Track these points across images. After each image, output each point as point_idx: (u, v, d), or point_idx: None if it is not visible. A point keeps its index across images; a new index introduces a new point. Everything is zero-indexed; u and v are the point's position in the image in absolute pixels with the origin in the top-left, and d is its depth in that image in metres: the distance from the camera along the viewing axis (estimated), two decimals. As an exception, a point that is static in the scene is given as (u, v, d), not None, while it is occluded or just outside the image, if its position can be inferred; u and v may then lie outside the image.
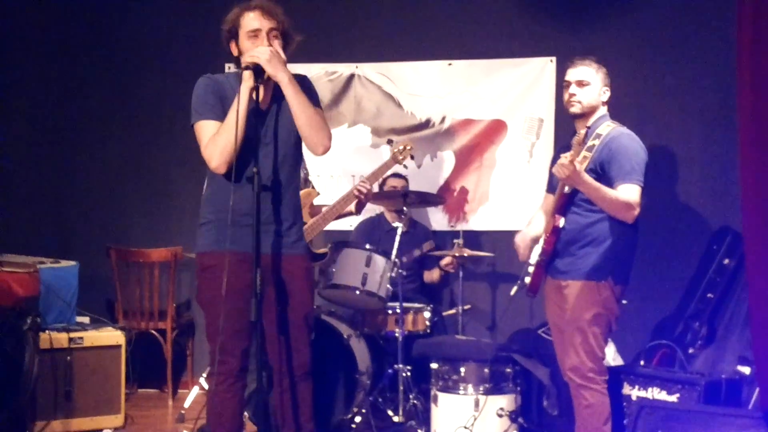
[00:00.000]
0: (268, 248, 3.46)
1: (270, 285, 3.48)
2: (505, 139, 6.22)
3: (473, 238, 6.06)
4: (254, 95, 3.38)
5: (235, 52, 3.52)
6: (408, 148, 5.22)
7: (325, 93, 6.33)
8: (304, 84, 3.56)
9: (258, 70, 3.35)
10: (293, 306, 3.51)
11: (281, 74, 3.36)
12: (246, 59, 3.38)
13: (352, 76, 6.40)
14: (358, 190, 4.87)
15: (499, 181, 6.22)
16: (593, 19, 6.05)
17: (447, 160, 6.30)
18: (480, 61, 6.24)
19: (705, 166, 5.85)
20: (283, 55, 3.42)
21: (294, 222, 3.56)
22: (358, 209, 5.01)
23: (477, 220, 6.23)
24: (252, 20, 3.44)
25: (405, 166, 5.35)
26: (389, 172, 5.56)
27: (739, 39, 3.52)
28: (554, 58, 6.08)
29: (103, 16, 6.56)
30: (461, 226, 6.09)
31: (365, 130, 6.40)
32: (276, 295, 3.50)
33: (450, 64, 6.30)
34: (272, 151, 3.47)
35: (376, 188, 5.29)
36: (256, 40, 3.42)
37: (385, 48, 6.39)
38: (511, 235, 5.73)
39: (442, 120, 6.30)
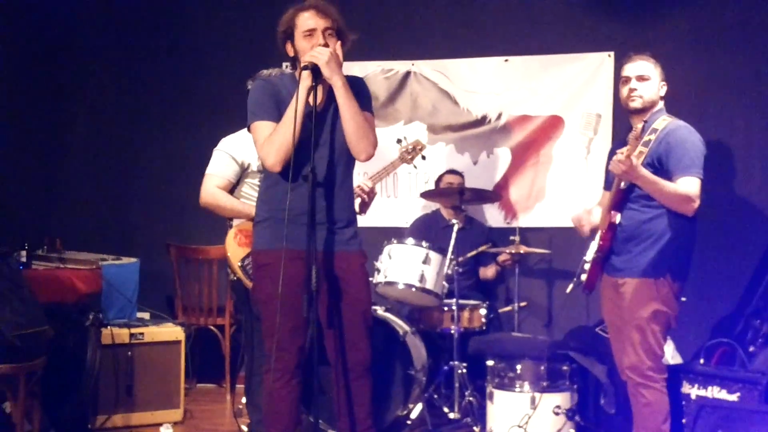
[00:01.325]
0: (323, 246, 3.47)
1: (325, 282, 3.50)
2: (562, 136, 6.16)
3: (529, 235, 6.03)
4: (312, 96, 3.39)
5: (290, 53, 3.55)
6: (419, 147, 5.02)
7: (381, 90, 6.35)
8: (358, 87, 3.57)
9: (316, 71, 3.37)
10: (350, 303, 3.53)
11: (336, 78, 3.38)
12: (306, 59, 3.39)
13: (408, 74, 6.40)
14: (360, 188, 4.55)
15: (556, 177, 6.17)
16: (651, 13, 5.97)
17: (503, 156, 6.26)
18: (537, 57, 6.20)
19: (766, 162, 5.74)
20: (341, 58, 3.44)
21: (349, 220, 3.58)
22: (362, 209, 4.63)
23: (533, 217, 6.19)
24: (307, 20, 3.46)
25: (415, 166, 5.16)
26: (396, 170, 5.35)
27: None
28: (612, 53, 6.00)
29: (164, 17, 6.66)
30: (517, 223, 6.06)
31: (421, 128, 6.39)
32: (332, 292, 3.52)
33: (506, 60, 6.26)
34: (327, 152, 3.49)
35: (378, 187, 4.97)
36: (311, 40, 3.44)
37: (441, 45, 6.37)
38: (567, 231, 5.76)
39: (499, 116, 6.27)
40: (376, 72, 6.36)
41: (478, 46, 6.30)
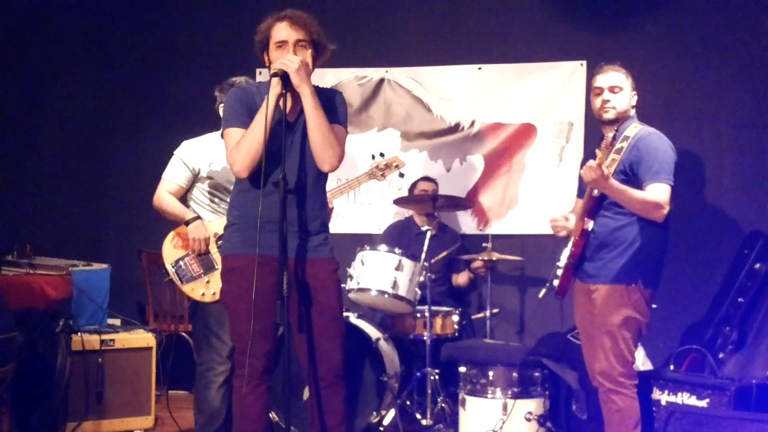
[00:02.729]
0: (293, 252, 3.47)
1: (296, 289, 3.50)
2: (535, 143, 6.21)
3: (502, 242, 6.04)
4: (282, 103, 3.40)
5: (266, 62, 3.56)
6: (394, 164, 4.97)
7: (355, 97, 6.36)
8: (333, 99, 3.59)
9: (286, 78, 3.37)
10: (320, 310, 3.52)
11: (305, 86, 3.38)
12: (275, 66, 3.40)
13: (382, 81, 6.42)
14: None
15: (529, 185, 6.21)
16: (624, 23, 6.05)
17: (476, 164, 6.30)
18: (510, 65, 6.24)
19: (736, 170, 5.81)
20: (311, 67, 3.44)
21: (320, 227, 3.57)
22: None
23: (506, 224, 6.22)
24: (280, 30, 3.46)
25: (388, 182, 5.15)
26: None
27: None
28: (585, 62, 6.06)
29: (137, 21, 6.64)
30: (490, 230, 6.08)
31: (395, 135, 6.41)
32: (302, 299, 3.52)
33: (480, 68, 6.30)
34: (298, 159, 3.49)
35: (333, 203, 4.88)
36: (283, 51, 3.45)
37: (415, 52, 6.40)
38: (540, 238, 5.83)
39: (472, 124, 6.30)
40: (350, 79, 6.38)
41: (452, 54, 6.34)
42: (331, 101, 3.57)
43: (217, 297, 4.31)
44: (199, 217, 4.40)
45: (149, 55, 6.63)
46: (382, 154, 5.07)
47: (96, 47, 6.65)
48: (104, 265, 5.54)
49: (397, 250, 5.08)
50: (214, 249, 4.38)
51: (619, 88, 4.00)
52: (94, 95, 6.66)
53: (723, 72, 5.84)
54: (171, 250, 4.44)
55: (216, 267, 4.35)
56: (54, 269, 5.22)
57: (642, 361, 4.98)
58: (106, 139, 6.62)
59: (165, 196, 4.44)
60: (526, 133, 6.23)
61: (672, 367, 4.25)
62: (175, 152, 4.50)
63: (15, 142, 6.45)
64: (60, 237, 6.36)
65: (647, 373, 4.32)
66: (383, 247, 5.13)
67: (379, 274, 4.97)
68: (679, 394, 4.05)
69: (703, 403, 3.95)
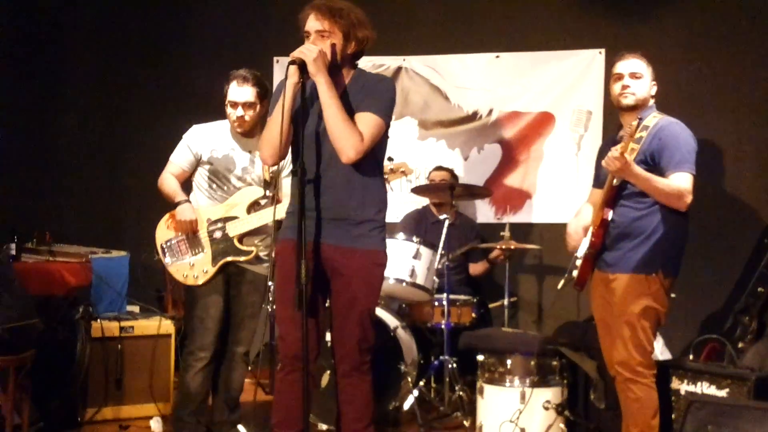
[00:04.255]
0: (330, 239, 3.45)
1: (328, 277, 3.50)
2: (553, 132, 6.20)
3: (520, 231, 6.04)
4: (303, 91, 3.38)
5: None
6: (401, 170, 4.78)
7: (372, 86, 6.35)
8: (373, 85, 3.52)
9: (305, 67, 3.36)
10: (345, 300, 3.50)
11: (320, 76, 3.34)
12: (293, 54, 3.37)
13: (399, 69, 6.42)
14: None
15: (547, 173, 6.20)
16: (643, 11, 6.01)
17: (494, 152, 6.30)
18: (528, 54, 6.23)
19: (757, 159, 5.79)
20: (328, 57, 3.39)
21: (363, 217, 3.49)
22: None
23: (524, 213, 6.22)
24: (306, 20, 3.45)
25: (391, 188, 5.07)
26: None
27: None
28: (603, 50, 6.04)
29: (155, 9, 6.65)
30: (507, 219, 6.06)
31: (412, 123, 6.41)
32: (333, 287, 3.52)
33: (498, 57, 6.28)
34: (320, 146, 3.45)
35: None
36: (307, 41, 3.44)
37: (432, 41, 6.40)
38: (557, 227, 5.79)
39: (490, 112, 6.29)
40: (367, 67, 6.24)
41: (470, 42, 6.32)
42: (370, 87, 3.50)
43: (200, 281, 4.42)
44: (188, 201, 4.46)
45: (167, 43, 6.66)
46: (390, 159, 4.96)
47: (114, 35, 6.67)
48: (123, 253, 5.57)
49: (414, 239, 5.08)
50: (204, 233, 4.43)
51: (639, 75, 3.97)
52: (113, 81, 6.69)
53: (744, 61, 5.81)
54: (164, 231, 4.55)
55: (203, 251, 4.42)
56: (73, 256, 5.25)
57: (660, 350, 4.96)
58: (125, 127, 6.64)
59: (167, 178, 4.55)
60: (544, 121, 6.22)
61: (691, 357, 4.22)
62: (183, 135, 4.57)
63: (34, 131, 6.48)
64: (79, 224, 6.40)
65: (666, 362, 4.30)
66: (401, 235, 5.12)
67: (396, 263, 4.95)
68: (699, 383, 4.02)
69: (722, 393, 3.93)
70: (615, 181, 3.86)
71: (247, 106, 4.34)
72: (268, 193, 4.45)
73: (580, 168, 6.04)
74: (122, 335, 5.11)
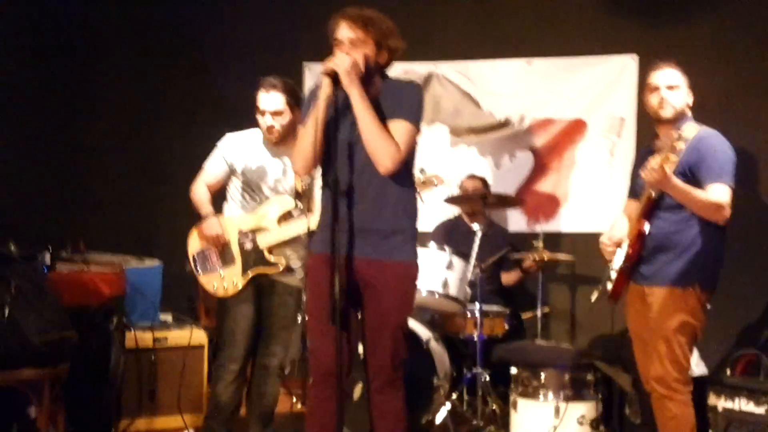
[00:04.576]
0: (362, 252, 3.42)
1: (359, 290, 3.47)
2: (585, 139, 6.15)
3: (552, 240, 5.98)
4: (336, 101, 3.36)
5: None
6: (432, 181, 4.84)
7: (403, 92, 6.33)
8: (403, 92, 3.50)
9: (337, 77, 3.35)
10: (378, 314, 3.47)
11: (353, 87, 3.31)
12: (325, 65, 3.36)
13: (430, 75, 6.39)
14: None
15: (579, 181, 6.15)
16: (676, 15, 5.93)
17: (526, 160, 6.26)
18: (560, 60, 6.18)
19: (793, 167, 5.70)
20: (361, 67, 3.37)
21: (395, 229, 3.46)
22: None
23: (557, 222, 6.17)
24: (339, 29, 3.42)
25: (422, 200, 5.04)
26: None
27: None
28: (636, 56, 5.98)
29: (187, 17, 6.67)
30: (540, 228, 6.02)
31: (444, 130, 6.38)
32: (365, 301, 3.49)
33: (529, 63, 6.24)
34: (362, 159, 3.41)
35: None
36: (338, 50, 3.42)
37: (463, 46, 6.36)
38: (591, 237, 5.69)
39: (521, 119, 6.25)
40: (397, 73, 6.25)
41: (501, 48, 6.28)
42: (400, 95, 3.47)
43: (230, 292, 4.42)
44: (214, 214, 4.46)
45: (199, 49, 6.66)
46: (422, 170, 4.89)
47: (146, 44, 6.69)
48: (157, 262, 5.58)
49: (447, 249, 5.05)
50: (235, 245, 4.42)
51: (676, 86, 3.93)
52: (146, 90, 6.70)
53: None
54: (195, 241, 4.55)
55: (234, 263, 4.41)
56: (107, 266, 5.26)
57: (696, 363, 4.90)
58: (158, 135, 6.66)
59: (198, 187, 4.55)
60: (576, 128, 6.17)
61: (728, 372, 4.16)
62: (218, 144, 4.56)
63: (67, 138, 6.51)
64: (112, 232, 6.41)
65: (703, 377, 4.26)
66: (433, 245, 5.09)
67: (429, 273, 4.90)
68: (737, 399, 3.98)
69: (761, 410, 3.88)
70: (653, 193, 3.82)
71: (275, 114, 4.32)
72: (299, 204, 4.44)
73: (613, 176, 5.98)
74: (156, 346, 5.12)
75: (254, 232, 4.42)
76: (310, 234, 3.75)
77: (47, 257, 5.19)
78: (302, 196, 4.45)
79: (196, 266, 4.52)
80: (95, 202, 6.62)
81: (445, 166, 6.25)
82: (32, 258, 4.57)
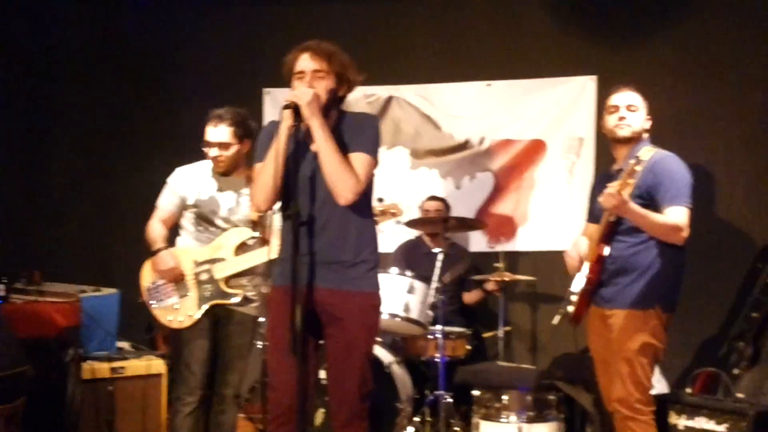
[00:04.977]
0: (324, 283, 3.40)
1: (322, 322, 3.45)
2: (545, 159, 6.18)
3: (513, 259, 6.00)
4: (297, 134, 3.34)
5: None
6: (391, 211, 4.67)
7: (363, 115, 6.33)
8: (361, 124, 3.49)
9: (298, 111, 3.33)
10: (342, 345, 3.43)
11: (314, 120, 3.30)
12: (287, 98, 3.34)
13: (390, 99, 6.40)
14: None
15: (539, 201, 6.17)
16: (635, 37, 6.00)
17: (486, 180, 6.27)
18: (519, 81, 6.21)
19: (748, 184, 5.76)
20: (323, 99, 3.36)
21: (358, 259, 3.45)
22: None
23: (517, 241, 6.18)
24: (300, 61, 3.41)
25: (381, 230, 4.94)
26: None
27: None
28: (595, 77, 6.02)
29: (145, 47, 6.63)
30: (501, 247, 6.02)
31: (404, 152, 6.38)
32: (329, 332, 3.45)
33: (489, 85, 6.26)
34: (314, 189, 3.41)
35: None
36: (301, 82, 3.40)
37: (423, 70, 6.37)
38: (551, 255, 5.76)
39: (481, 141, 6.27)
40: (357, 97, 6.31)
41: (461, 71, 6.30)
42: (359, 127, 3.47)
43: (185, 324, 4.34)
44: (166, 247, 4.39)
45: (159, 78, 6.62)
46: (380, 199, 4.72)
47: (105, 73, 6.65)
48: (113, 290, 5.51)
49: (408, 273, 5.04)
50: (190, 276, 4.36)
51: (635, 108, 3.96)
52: (104, 119, 6.65)
53: (736, 86, 5.79)
54: (149, 273, 4.48)
55: (188, 294, 4.35)
56: (63, 296, 5.19)
57: (657, 380, 4.91)
58: (116, 164, 6.60)
59: (153, 225, 4.48)
60: (536, 149, 6.19)
61: (689, 390, 4.18)
62: (167, 180, 4.51)
63: (23, 167, 6.43)
64: (68, 262, 6.33)
65: (664, 396, 4.27)
66: (394, 269, 5.09)
67: (390, 297, 4.91)
68: (697, 418, 4.00)
69: (722, 429, 3.90)
70: (611, 217, 3.83)
71: (221, 146, 4.30)
72: (256, 234, 4.40)
73: (573, 195, 6.01)
74: (114, 376, 5.04)
75: (210, 263, 4.36)
76: (272, 262, 3.71)
77: (1, 289, 5.12)
78: (258, 225, 4.40)
79: (150, 298, 4.44)
80: (52, 232, 6.53)
81: (406, 189, 6.28)
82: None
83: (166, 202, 4.48)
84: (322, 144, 3.33)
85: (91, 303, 5.29)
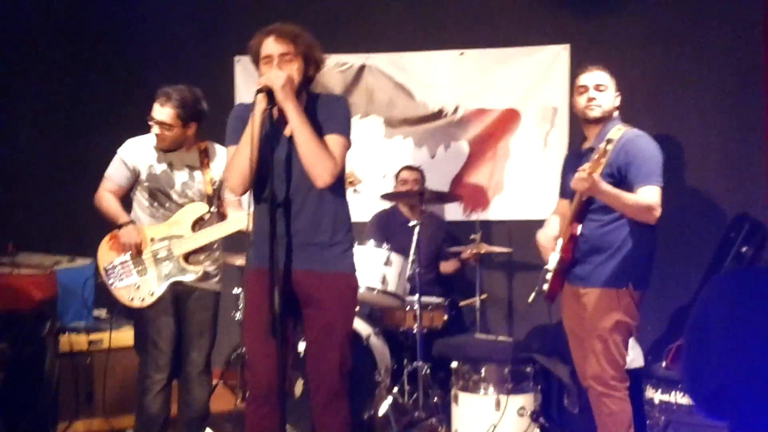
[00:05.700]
0: (300, 265, 3.43)
1: (300, 304, 3.48)
2: (519, 129, 6.20)
3: (489, 228, 6.04)
4: (270, 117, 3.34)
5: (261, 76, 3.48)
6: (349, 181, 4.44)
7: (336, 84, 6.32)
8: (332, 106, 3.51)
9: (271, 94, 3.32)
10: (321, 325, 3.47)
11: (288, 103, 3.31)
12: (260, 82, 3.34)
13: (363, 67, 6.37)
14: None
15: (514, 170, 6.20)
16: (608, 6, 5.99)
17: (461, 150, 6.27)
18: (492, 50, 6.20)
19: (721, 153, 5.84)
20: (296, 82, 3.37)
21: (333, 240, 3.48)
22: None
23: (492, 211, 6.22)
24: (267, 45, 3.40)
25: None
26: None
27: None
28: (568, 46, 6.04)
29: (110, 11, 6.51)
30: (476, 216, 6.06)
31: (378, 122, 6.37)
32: (308, 313, 3.49)
33: (462, 54, 6.24)
34: (298, 173, 3.42)
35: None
36: (269, 66, 3.39)
37: (396, 38, 6.34)
38: (526, 224, 5.80)
39: (455, 110, 6.27)
40: (330, 66, 6.27)
41: (434, 40, 6.28)
42: (329, 109, 3.49)
43: (146, 303, 4.33)
44: (132, 222, 4.36)
45: (124, 46, 6.51)
46: None
47: (73, 41, 6.53)
48: (88, 260, 5.45)
49: (385, 246, 5.07)
50: (148, 254, 4.34)
51: (604, 87, 3.98)
52: (75, 87, 6.55)
53: (708, 54, 5.84)
54: (106, 252, 4.44)
55: (147, 273, 4.33)
56: (38, 268, 5.15)
57: (632, 345, 4.97)
58: (87, 132, 6.49)
59: (104, 196, 4.44)
60: (510, 118, 6.21)
61: (664, 364, 4.25)
62: (118, 150, 4.46)
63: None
64: (42, 232, 6.26)
65: (639, 371, 4.34)
66: (371, 242, 5.10)
67: (367, 270, 4.93)
68: (672, 393, 4.07)
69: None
70: (583, 196, 3.86)
71: (163, 125, 4.26)
72: (212, 209, 4.38)
73: (547, 164, 6.05)
74: (91, 349, 5.06)
75: (168, 239, 4.33)
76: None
77: (-25, 262, 5.08)
78: (212, 199, 4.38)
79: (108, 278, 4.40)
80: (23, 202, 6.45)
81: (380, 157, 6.29)
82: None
83: (116, 174, 4.42)
84: (298, 127, 3.34)
85: (67, 274, 5.25)
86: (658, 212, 3.84)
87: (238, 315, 5.48)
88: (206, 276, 4.39)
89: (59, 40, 6.54)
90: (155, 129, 4.28)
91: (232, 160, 3.44)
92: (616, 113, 4.02)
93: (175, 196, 4.35)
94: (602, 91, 3.96)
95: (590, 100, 3.97)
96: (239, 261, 5.24)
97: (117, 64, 6.52)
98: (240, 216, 4.33)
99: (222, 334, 4.73)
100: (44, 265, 5.21)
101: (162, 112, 4.24)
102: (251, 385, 3.50)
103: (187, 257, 4.34)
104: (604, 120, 3.97)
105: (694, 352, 2.66)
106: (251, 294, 3.50)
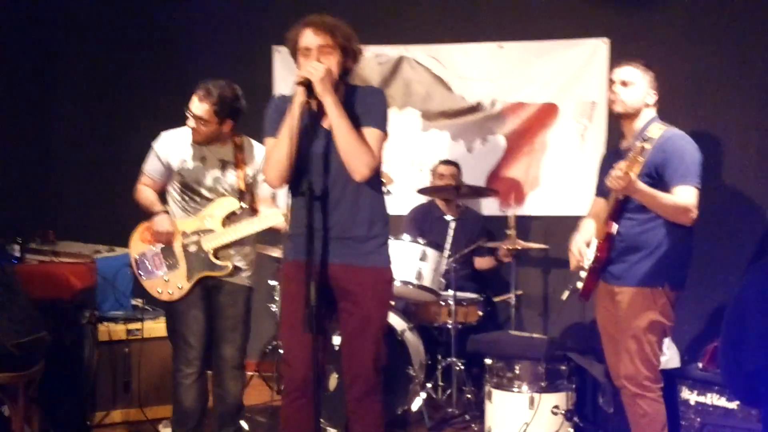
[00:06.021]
0: (337, 258, 3.43)
1: (337, 297, 3.49)
2: (557, 123, 6.15)
3: (525, 224, 6.01)
4: (309, 110, 3.36)
5: (299, 68, 3.49)
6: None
7: (374, 76, 6.31)
8: (371, 100, 3.49)
9: (310, 86, 3.32)
10: (356, 319, 3.47)
11: (327, 95, 3.31)
12: (299, 74, 3.34)
13: (401, 59, 6.34)
14: None
15: (551, 165, 6.16)
16: (649, 1, 5.90)
17: (498, 144, 6.24)
18: (531, 43, 6.15)
19: (762, 148, 5.73)
20: (335, 74, 3.36)
21: (370, 234, 3.48)
22: None
23: (528, 206, 6.19)
24: (305, 37, 3.39)
25: None
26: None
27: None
28: (607, 40, 5.96)
29: (155, 2, 6.57)
30: (512, 211, 6.02)
31: (415, 114, 6.35)
32: (343, 307, 3.50)
33: (501, 47, 6.20)
34: (336, 166, 3.41)
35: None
36: (309, 58, 3.38)
37: (434, 30, 6.30)
38: (562, 220, 5.78)
39: (493, 103, 6.23)
40: (368, 57, 6.27)
41: (472, 32, 6.24)
42: (367, 102, 3.48)
43: (175, 297, 4.33)
44: (165, 212, 4.37)
45: (165, 37, 6.55)
46: None
47: (113, 32, 6.59)
48: (127, 250, 5.52)
49: (420, 240, 5.07)
50: (178, 247, 4.34)
51: (630, 83, 3.93)
52: (113, 77, 6.60)
53: (751, 49, 5.73)
54: (137, 244, 4.46)
55: (178, 267, 4.33)
56: (78, 257, 5.22)
57: (667, 345, 4.94)
58: (127, 122, 6.55)
59: (141, 189, 4.47)
60: (547, 112, 6.16)
61: (700, 365, 4.21)
62: (153, 143, 4.47)
63: (34, 128, 6.42)
64: (82, 220, 6.34)
65: (675, 371, 4.31)
66: (407, 237, 5.11)
67: (403, 265, 4.94)
68: (708, 394, 4.04)
69: (733, 405, 3.94)
70: (619, 195, 3.83)
71: (199, 120, 4.24)
72: (243, 204, 4.38)
73: (585, 159, 5.99)
74: (129, 338, 5.13)
75: (198, 234, 4.34)
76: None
77: (17, 249, 5.14)
78: (245, 195, 4.38)
79: (138, 269, 4.41)
80: (64, 191, 6.54)
81: (417, 150, 6.28)
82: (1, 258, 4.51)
83: (150, 168, 4.44)
84: (337, 121, 3.34)
85: (106, 264, 5.31)
86: (694, 214, 3.80)
87: (274, 307, 5.52)
88: (236, 271, 4.39)
89: (101, 31, 6.60)
90: (191, 122, 4.28)
91: (270, 153, 3.45)
92: (650, 110, 3.97)
93: (204, 192, 4.35)
94: (628, 86, 3.93)
95: (614, 95, 3.95)
96: (275, 252, 5.26)
97: (158, 55, 6.56)
98: (272, 213, 4.33)
99: (257, 325, 4.77)
100: (84, 254, 5.27)
101: (199, 107, 4.24)
102: (286, 378, 3.52)
103: (216, 252, 4.34)
104: (634, 116, 3.94)
105: (731, 336, 2.64)
106: (287, 286, 3.51)
